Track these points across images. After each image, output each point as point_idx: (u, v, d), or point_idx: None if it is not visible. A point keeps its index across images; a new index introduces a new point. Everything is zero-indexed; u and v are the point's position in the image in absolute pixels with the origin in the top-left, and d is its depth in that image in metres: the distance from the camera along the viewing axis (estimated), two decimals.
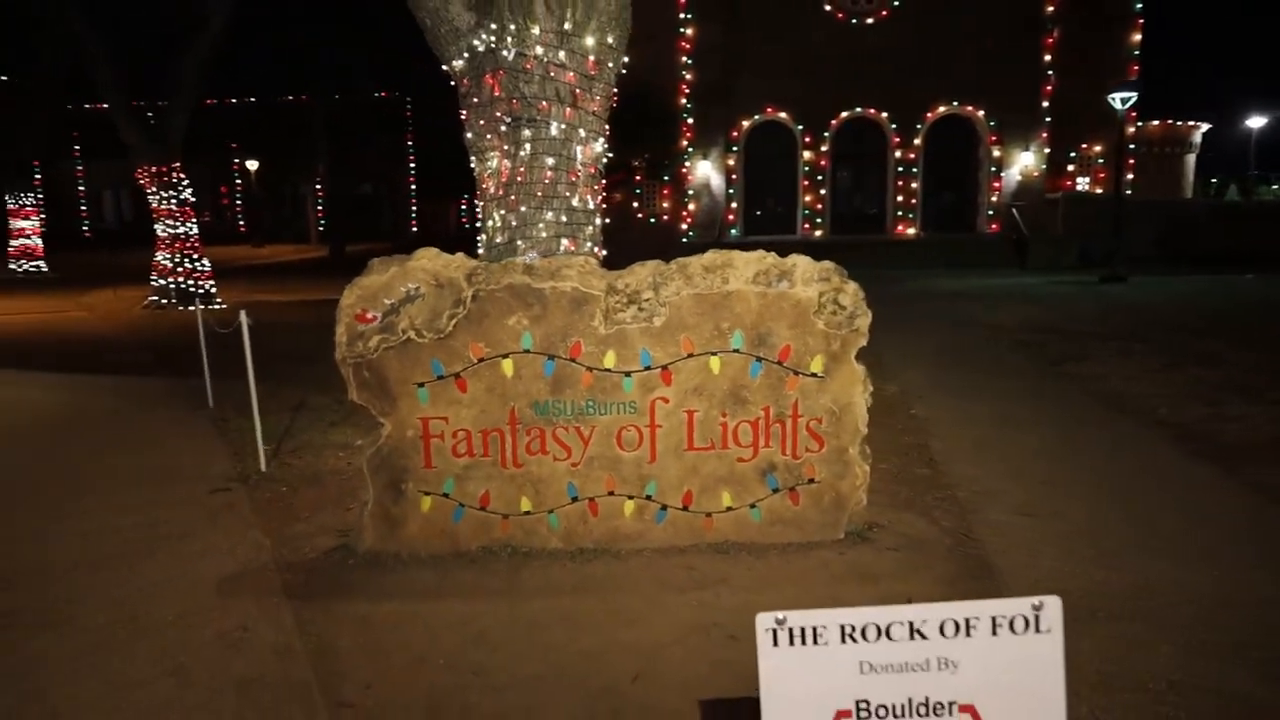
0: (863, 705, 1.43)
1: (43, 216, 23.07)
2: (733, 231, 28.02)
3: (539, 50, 5.53)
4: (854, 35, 27.21)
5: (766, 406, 3.87)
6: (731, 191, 28.28)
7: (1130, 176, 27.66)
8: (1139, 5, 27.45)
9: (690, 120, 27.56)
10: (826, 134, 27.88)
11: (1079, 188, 27.80)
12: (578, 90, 5.68)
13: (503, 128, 5.67)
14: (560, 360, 3.84)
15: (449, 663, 3.04)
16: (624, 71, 6.03)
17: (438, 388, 3.85)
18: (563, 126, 5.64)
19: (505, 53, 5.55)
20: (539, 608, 3.43)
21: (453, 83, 5.91)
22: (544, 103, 5.60)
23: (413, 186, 38.97)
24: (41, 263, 22.52)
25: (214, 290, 15.51)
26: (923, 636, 1.43)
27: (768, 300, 3.83)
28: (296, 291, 17.55)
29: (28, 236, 22.42)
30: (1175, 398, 7.04)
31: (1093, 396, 7.26)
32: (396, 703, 2.81)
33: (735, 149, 28.11)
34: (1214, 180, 44.50)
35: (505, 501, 3.92)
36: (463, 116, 5.89)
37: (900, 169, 27.94)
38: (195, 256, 15.32)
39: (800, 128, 27.83)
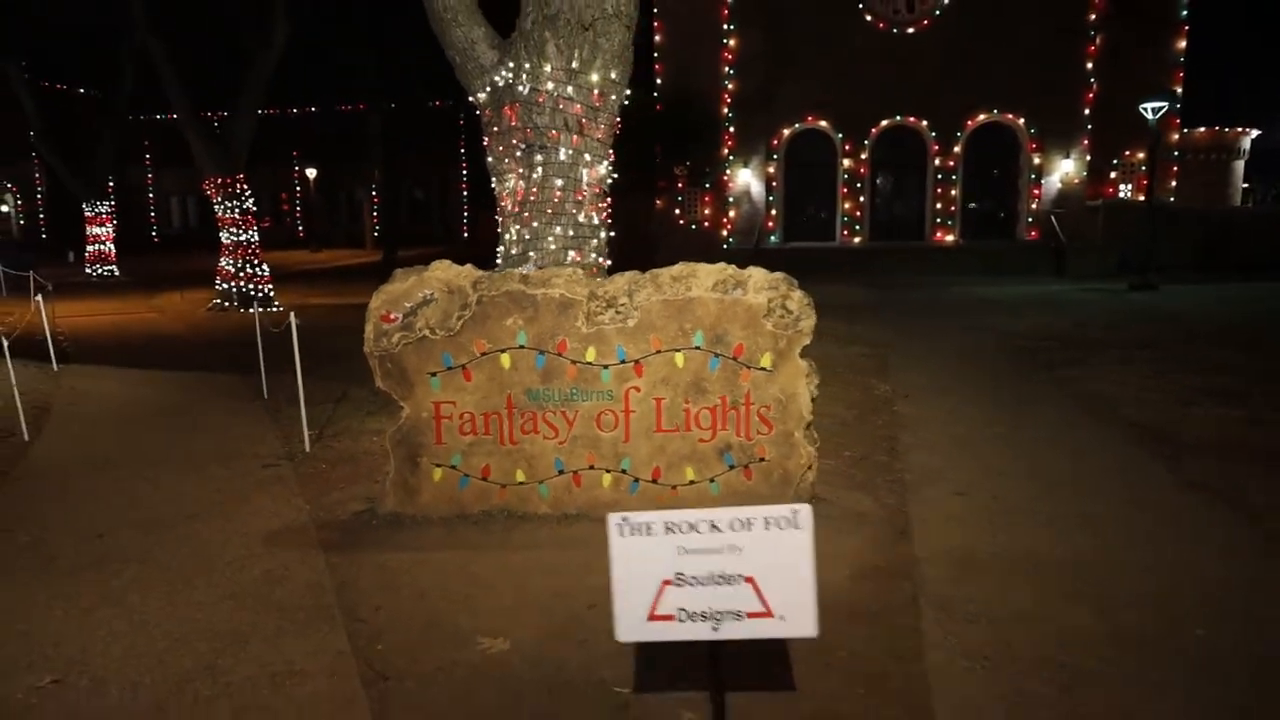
0: (680, 576, 2.12)
1: (116, 223, 24.61)
2: (773, 238, 28.57)
3: (550, 85, 6.29)
4: (894, 44, 27.57)
5: (724, 395, 4.55)
6: (772, 198, 28.82)
7: (1175, 184, 27.53)
8: (1184, 12, 27.32)
9: (732, 128, 28.19)
10: (866, 142, 28.25)
11: (1121, 194, 27.74)
12: (584, 120, 6.41)
13: (518, 153, 6.43)
14: (549, 355, 4.57)
15: (445, 595, 3.78)
16: (628, 96, 6.69)
17: (448, 377, 4.61)
18: (570, 152, 6.38)
19: (521, 87, 6.33)
20: (525, 558, 4.16)
21: (477, 112, 6.70)
22: (554, 131, 6.36)
23: (464, 193, 40.23)
24: (114, 267, 24.03)
25: (272, 294, 16.61)
26: (719, 530, 2.10)
27: (725, 305, 4.52)
28: (349, 295, 18.60)
29: (102, 242, 23.97)
30: (1153, 401, 7.49)
31: (1073, 399, 7.76)
32: (401, 621, 3.56)
33: (776, 157, 28.65)
34: (1276, 188, 43.72)
35: (503, 473, 4.66)
36: (485, 142, 6.68)
37: (940, 176, 28.18)
38: (256, 262, 16.45)
39: (840, 135, 28.26)
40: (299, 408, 6.43)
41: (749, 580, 2.11)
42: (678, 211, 28.63)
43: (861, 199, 28.65)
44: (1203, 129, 29.17)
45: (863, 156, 28.35)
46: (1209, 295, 16.33)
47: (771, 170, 28.61)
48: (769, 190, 28.63)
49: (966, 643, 3.21)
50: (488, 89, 6.53)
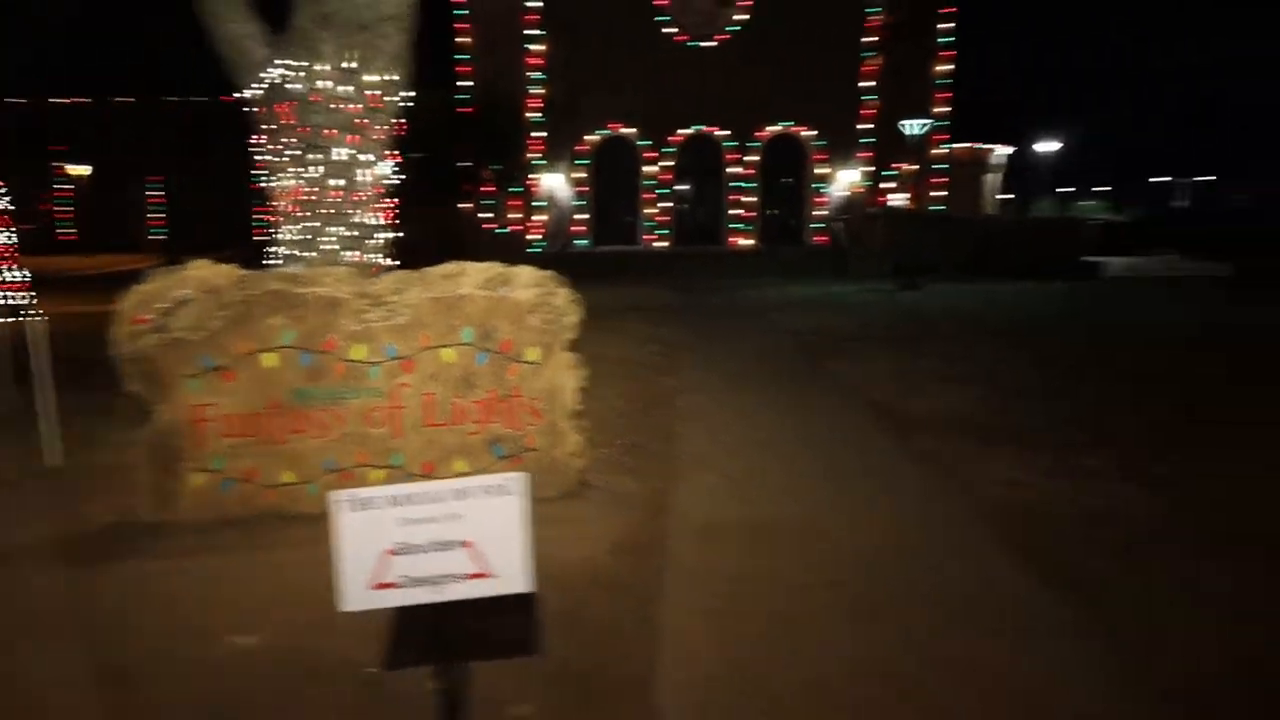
0: (403, 545, 2.28)
1: None
2: (582, 242, 29.09)
3: (326, 84, 6.24)
4: (695, 57, 28.84)
5: (493, 389, 4.72)
6: (582, 203, 29.37)
7: (947, 194, 30.35)
8: (951, 39, 30.11)
9: (539, 134, 28.46)
10: (669, 150, 29.38)
11: (898, 203, 30.26)
12: (363, 120, 6.39)
13: (294, 152, 6.33)
14: (317, 354, 4.57)
15: (198, 599, 3.72)
16: (406, 96, 6.70)
17: (208, 378, 4.50)
18: (348, 152, 6.35)
19: (296, 86, 6.23)
20: (286, 557, 4.14)
21: (246, 108, 6.52)
22: (331, 130, 6.30)
23: (255, 194, 38.11)
24: None
25: (29, 301, 15.11)
26: (440, 500, 2.28)
27: (493, 302, 4.69)
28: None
29: None
30: (896, 385, 8.34)
31: (835, 385, 8.52)
32: (148, 626, 3.47)
33: (583, 162, 29.21)
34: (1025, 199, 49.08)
35: (269, 474, 4.61)
36: (258, 140, 6.52)
37: (739, 184, 29.74)
38: (8, 267, 14.92)
39: (645, 143, 29.21)
40: (50, 421, 6.00)
41: (468, 545, 2.29)
42: (485, 216, 28.54)
43: (667, 205, 29.75)
44: (964, 145, 32.34)
45: (666, 164, 29.46)
46: (961, 295, 18.13)
47: (579, 175, 29.15)
48: (577, 195, 29.16)
49: (700, 603, 3.56)
50: (260, 86, 6.39)
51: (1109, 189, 55.54)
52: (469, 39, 28.19)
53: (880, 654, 3.19)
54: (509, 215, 28.47)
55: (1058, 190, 44.42)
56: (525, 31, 27.80)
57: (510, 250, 24.33)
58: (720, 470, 5.56)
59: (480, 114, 26.03)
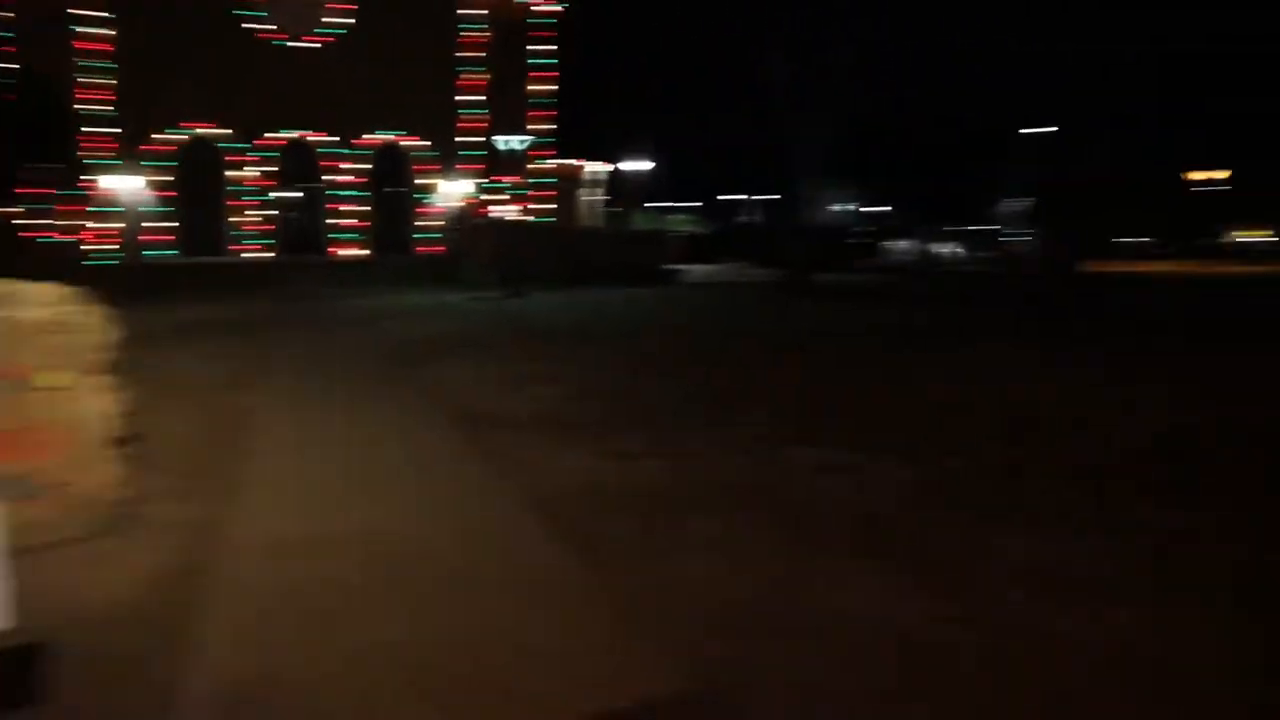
0: None
1: None
2: (168, 252, 26.31)
3: None
4: (290, 57, 27.44)
5: (6, 421, 4.21)
6: (170, 209, 26.59)
7: (555, 206, 32.02)
8: (553, 61, 31.70)
9: (107, 130, 25.22)
10: (270, 154, 27.68)
11: (505, 214, 31.37)
12: None
13: None
14: None
15: None
16: None
17: None
18: None
19: None
20: None
21: None
22: None
23: None
24: None
25: None
26: None
27: None
28: None
29: None
30: (489, 389, 8.78)
31: (417, 390, 8.79)
32: None
33: (164, 164, 26.45)
34: (640, 211, 53.50)
35: None
36: None
37: (346, 192, 28.86)
38: None
39: (238, 145, 27.22)
40: None
41: None
42: (38, 222, 24.56)
43: (268, 212, 27.95)
44: (565, 161, 34.48)
45: (268, 169, 27.70)
46: (561, 302, 19.46)
47: (161, 178, 26.31)
48: (157, 200, 26.26)
49: (240, 620, 3.52)
50: None
51: (699, 204, 62.51)
52: (10, 14, 24.06)
53: (421, 640, 3.41)
54: (63, 222, 24.71)
55: (652, 205, 49.12)
56: (77, 11, 24.35)
57: (64, 262, 21.18)
58: (291, 487, 5.46)
59: (20, 103, 22.36)
